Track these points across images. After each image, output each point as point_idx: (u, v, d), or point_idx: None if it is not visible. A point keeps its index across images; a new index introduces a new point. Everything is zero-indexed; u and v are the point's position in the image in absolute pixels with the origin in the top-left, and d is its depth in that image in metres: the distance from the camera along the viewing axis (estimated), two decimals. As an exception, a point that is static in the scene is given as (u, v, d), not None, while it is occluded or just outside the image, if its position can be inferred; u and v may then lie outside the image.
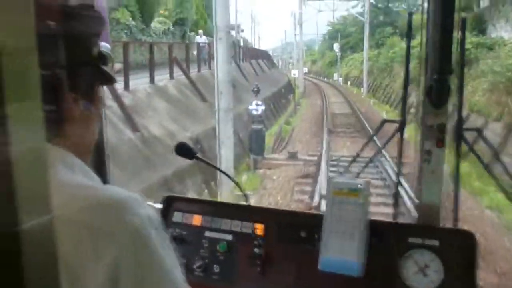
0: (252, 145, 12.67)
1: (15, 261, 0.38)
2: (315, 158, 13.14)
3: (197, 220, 1.54)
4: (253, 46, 59.16)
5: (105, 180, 1.18)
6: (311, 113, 24.85)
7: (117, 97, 9.49)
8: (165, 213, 1.54)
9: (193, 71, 16.47)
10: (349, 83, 46.83)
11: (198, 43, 18.31)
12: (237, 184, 1.72)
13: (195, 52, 18.72)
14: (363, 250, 1.31)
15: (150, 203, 1.34)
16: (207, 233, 1.51)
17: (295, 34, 45.54)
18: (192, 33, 26.11)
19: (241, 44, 45.23)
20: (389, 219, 1.74)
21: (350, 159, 11.56)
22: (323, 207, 6.83)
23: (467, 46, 19.02)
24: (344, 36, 54.93)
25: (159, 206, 1.55)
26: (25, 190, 0.38)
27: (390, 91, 28.28)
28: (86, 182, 0.76)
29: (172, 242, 0.79)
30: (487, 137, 12.75)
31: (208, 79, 17.11)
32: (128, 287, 0.69)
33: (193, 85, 14.24)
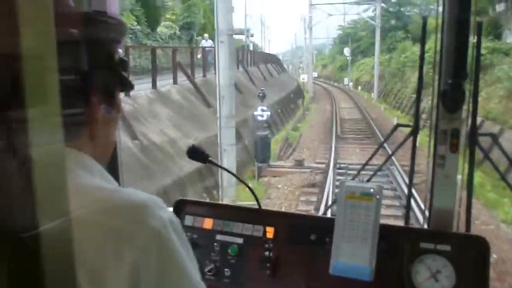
0: (257, 152, 12.24)
1: (35, 262, 0.39)
2: (323, 165, 12.68)
3: (208, 223, 1.54)
4: (263, 50, 58.93)
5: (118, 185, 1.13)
6: (320, 119, 24.35)
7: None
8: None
9: (199, 76, 16.13)
10: (359, 88, 46.31)
11: (204, 47, 17.93)
12: (249, 188, 1.64)
13: (199, 56, 18.37)
14: (374, 254, 1.30)
15: None
16: (218, 237, 1.51)
17: (305, 38, 45.10)
18: (199, 38, 25.82)
19: (251, 48, 45.07)
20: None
21: (359, 167, 11.20)
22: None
23: (482, 51, 18.38)
24: (355, 40, 54.39)
25: (170, 209, 1.49)
26: (43, 192, 0.39)
27: (401, 97, 27.78)
28: (106, 185, 0.77)
29: None
30: (503, 146, 12.27)
31: (214, 84, 16.59)
32: None
33: (197, 90, 13.88)
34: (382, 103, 31.61)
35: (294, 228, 1.48)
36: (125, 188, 0.78)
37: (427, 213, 1.56)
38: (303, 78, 35.53)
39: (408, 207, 1.82)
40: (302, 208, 9.30)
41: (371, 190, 1.34)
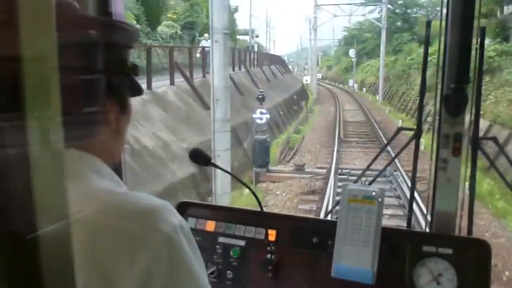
0: (255, 157, 11.74)
1: (39, 264, 0.39)
2: (324, 170, 12.19)
3: (210, 226, 1.54)
4: (268, 51, 58.57)
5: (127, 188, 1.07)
6: (323, 121, 23.85)
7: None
8: None
9: (198, 77, 15.67)
10: (364, 89, 45.87)
11: (203, 47, 17.45)
12: (251, 190, 1.60)
13: (198, 56, 17.91)
14: (376, 257, 1.30)
15: None
16: (221, 239, 1.51)
17: (310, 39, 44.62)
18: (202, 38, 25.41)
19: (255, 49, 44.69)
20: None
21: (361, 172, 10.60)
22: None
23: (490, 53, 18.14)
24: (360, 41, 53.94)
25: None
26: (43, 194, 0.39)
27: (406, 99, 27.31)
28: (118, 189, 0.78)
29: None
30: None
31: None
32: None
33: (195, 91, 13.42)
34: (387, 106, 31.14)
35: (296, 231, 1.48)
36: (135, 192, 0.78)
37: (429, 216, 1.56)
38: (306, 79, 35.00)
39: (410, 210, 1.80)
40: (300, 217, 8.81)
41: (373, 193, 1.34)
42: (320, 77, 61.09)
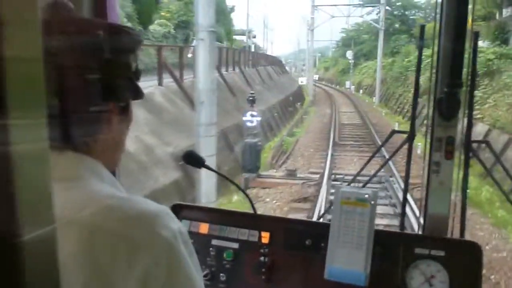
0: (245, 161, 11.24)
1: (16, 272, 0.39)
2: (317, 176, 11.71)
3: (204, 228, 1.53)
4: (265, 52, 58.18)
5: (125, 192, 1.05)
6: (318, 124, 23.36)
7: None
8: None
9: (189, 77, 15.14)
10: (361, 91, 45.51)
11: (194, 46, 16.91)
12: (245, 193, 1.56)
13: (190, 56, 17.40)
14: (369, 260, 1.31)
15: None
16: (214, 241, 1.51)
17: (308, 41, 44.20)
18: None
19: (252, 49, 44.24)
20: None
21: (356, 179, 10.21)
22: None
23: (489, 56, 17.75)
24: (358, 43, 53.61)
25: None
26: (28, 197, 0.38)
27: (403, 101, 26.89)
28: (117, 193, 0.77)
29: None
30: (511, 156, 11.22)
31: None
32: None
33: (184, 92, 12.91)
34: (383, 108, 30.72)
35: (290, 233, 1.48)
36: (135, 197, 0.78)
37: (421, 219, 1.55)
38: (302, 81, 34.55)
39: (403, 213, 1.80)
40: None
41: (366, 196, 1.35)
42: (317, 79, 60.81)
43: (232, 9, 43.51)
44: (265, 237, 1.48)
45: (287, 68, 65.75)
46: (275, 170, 12.87)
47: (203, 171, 7.76)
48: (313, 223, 1.73)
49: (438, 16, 1.42)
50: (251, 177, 11.16)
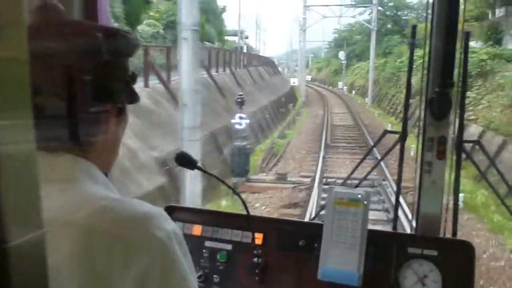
0: (233, 165, 10.87)
1: (3, 279, 0.38)
2: (308, 180, 11.37)
3: (197, 230, 1.54)
4: (258, 53, 57.91)
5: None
6: (310, 125, 23.03)
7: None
8: None
9: (177, 78, 14.76)
10: (353, 92, 45.31)
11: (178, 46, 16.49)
12: (237, 194, 1.50)
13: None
14: (363, 260, 1.31)
15: None
16: (207, 243, 1.52)
17: (300, 41, 43.91)
18: (187, 37, 24.49)
19: (245, 50, 43.91)
20: None
21: (348, 183, 9.86)
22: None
23: (483, 56, 17.52)
24: (351, 44, 53.41)
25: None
26: (15, 201, 0.38)
27: (396, 102, 26.68)
28: (112, 194, 0.77)
29: None
30: (506, 159, 10.98)
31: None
32: None
33: (171, 94, 12.51)
34: (376, 109, 30.49)
35: (283, 234, 1.48)
36: (129, 198, 0.78)
37: (414, 221, 1.57)
38: (293, 81, 34.23)
39: (396, 213, 1.83)
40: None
41: (359, 196, 1.35)
42: (310, 79, 60.68)
43: (224, 9, 43.11)
44: (259, 238, 1.47)
45: (279, 68, 65.56)
46: (265, 174, 12.52)
47: (188, 175, 7.44)
48: (307, 224, 1.72)
49: (429, 16, 1.43)
50: (240, 181, 10.80)
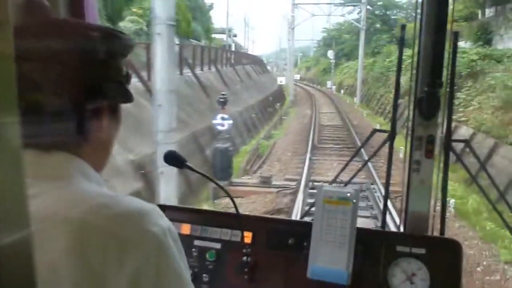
0: (215, 168, 10.33)
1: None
2: (294, 183, 10.89)
3: (185, 229, 1.53)
4: (247, 51, 57.41)
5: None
6: (298, 125, 22.56)
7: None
8: None
9: (159, 76, 14.17)
10: (342, 91, 45.02)
11: (151, 43, 15.86)
12: (227, 192, 1.49)
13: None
14: (352, 258, 1.32)
15: None
16: (196, 242, 1.51)
17: (288, 39, 43.47)
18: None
19: (233, 48, 43.34)
20: None
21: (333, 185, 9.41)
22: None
23: (473, 57, 17.21)
24: (340, 43, 53.14)
25: None
26: (0, 200, 0.38)
27: (384, 102, 26.34)
28: (106, 191, 0.78)
29: None
30: (503, 165, 10.59)
31: (177, 87, 14.86)
32: None
33: (150, 93, 11.91)
34: (364, 109, 30.15)
35: (272, 233, 1.48)
36: (123, 195, 0.78)
37: (402, 217, 1.57)
38: (281, 80, 33.71)
39: (384, 211, 1.82)
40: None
41: (348, 194, 1.35)
42: (299, 78, 60.30)
43: (211, 7, 42.47)
44: (248, 237, 1.47)
45: (268, 67, 65.07)
46: (249, 177, 12.00)
47: (162, 185, 6.93)
48: (296, 222, 1.70)
49: (418, 16, 1.44)
50: (222, 185, 10.28)
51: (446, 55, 1.42)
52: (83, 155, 0.79)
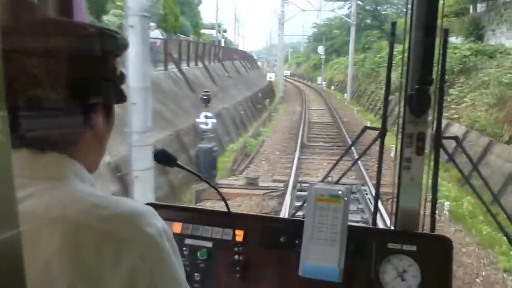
0: (198, 169, 9.77)
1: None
2: (281, 184, 10.41)
3: (176, 227, 1.52)
4: (237, 47, 56.77)
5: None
6: (287, 123, 22.07)
7: None
8: None
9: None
10: (332, 87, 44.64)
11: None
12: (217, 190, 1.46)
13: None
14: (343, 256, 1.33)
15: None
16: (187, 241, 1.51)
17: (278, 35, 42.91)
18: (159, 30, 23.18)
19: (223, 44, 42.67)
20: None
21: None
22: None
23: (465, 53, 16.82)
24: (330, 38, 52.76)
25: None
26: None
27: (375, 98, 25.99)
28: (99, 192, 0.77)
29: None
30: (497, 164, 10.17)
31: (161, 83, 14.30)
32: None
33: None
34: (355, 105, 29.77)
35: (264, 231, 1.48)
36: (117, 196, 0.77)
37: (393, 214, 1.58)
38: (270, 76, 33.18)
39: (375, 209, 1.82)
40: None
41: (339, 192, 1.36)
42: (289, 74, 59.82)
43: (200, 1, 41.74)
44: (239, 235, 1.46)
45: (259, 63, 64.55)
46: (235, 178, 11.47)
47: (136, 189, 6.41)
48: (288, 220, 1.70)
49: (409, 11, 1.44)
50: (206, 187, 9.75)
51: (436, 52, 1.42)
52: (76, 156, 0.79)
